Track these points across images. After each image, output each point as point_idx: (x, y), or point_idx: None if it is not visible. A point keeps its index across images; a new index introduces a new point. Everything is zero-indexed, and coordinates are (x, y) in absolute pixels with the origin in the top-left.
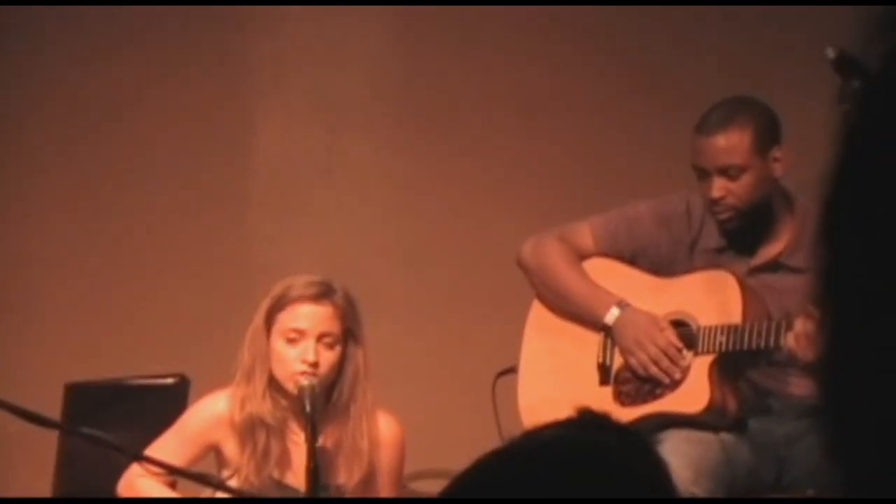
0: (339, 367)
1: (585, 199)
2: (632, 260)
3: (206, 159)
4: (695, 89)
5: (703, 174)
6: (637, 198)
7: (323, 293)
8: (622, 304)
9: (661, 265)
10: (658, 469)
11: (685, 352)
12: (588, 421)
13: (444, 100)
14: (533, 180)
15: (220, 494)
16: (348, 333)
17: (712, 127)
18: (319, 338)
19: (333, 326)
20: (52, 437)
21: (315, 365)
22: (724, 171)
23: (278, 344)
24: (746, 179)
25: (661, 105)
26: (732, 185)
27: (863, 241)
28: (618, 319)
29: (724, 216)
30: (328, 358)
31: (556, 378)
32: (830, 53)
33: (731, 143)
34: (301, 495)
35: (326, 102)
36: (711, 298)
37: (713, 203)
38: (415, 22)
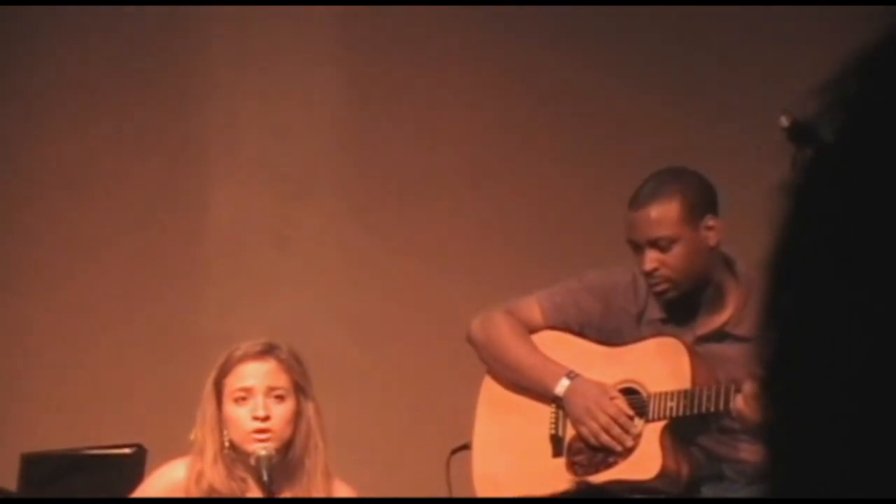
0: (294, 423)
1: (541, 268)
2: (580, 332)
3: (161, 229)
4: (646, 154)
5: (637, 248)
6: (591, 263)
7: (266, 350)
8: (571, 375)
9: (609, 335)
10: None
11: (636, 419)
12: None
13: (399, 170)
14: (488, 250)
15: None
16: (297, 388)
17: (642, 200)
18: (267, 393)
19: (280, 380)
20: None
21: (266, 419)
22: (655, 244)
23: (229, 408)
24: (678, 250)
25: (613, 172)
26: (664, 257)
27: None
28: (567, 390)
29: (659, 288)
30: (280, 413)
31: (509, 452)
32: (784, 122)
33: (660, 214)
34: None
35: (281, 172)
36: (661, 365)
37: (647, 276)
38: (368, 92)
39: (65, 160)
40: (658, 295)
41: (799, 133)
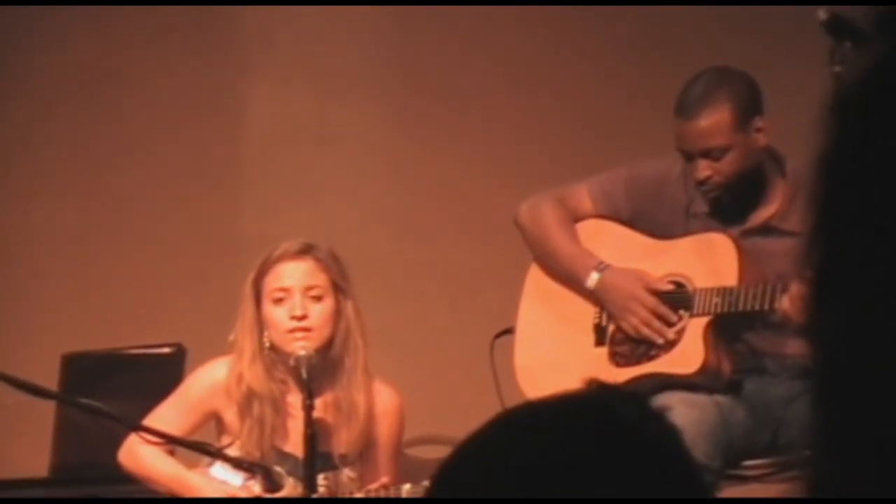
0: (333, 322)
1: (581, 168)
2: (629, 222)
3: (198, 132)
4: (685, 53)
5: (688, 157)
6: (628, 162)
7: (303, 250)
8: (601, 268)
9: (658, 227)
10: (678, 440)
11: (681, 312)
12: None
13: (439, 70)
14: (528, 149)
15: (218, 463)
16: (336, 287)
17: (690, 109)
18: (305, 291)
19: (318, 279)
20: (50, 408)
21: (304, 318)
22: (707, 154)
23: (268, 308)
24: (731, 157)
25: (653, 71)
26: (717, 165)
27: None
28: (598, 283)
29: (712, 195)
30: (318, 311)
31: (552, 340)
32: (822, 15)
33: (711, 124)
34: (300, 462)
35: (319, 72)
36: (707, 261)
37: (700, 183)
38: None
39: (104, 63)
40: (710, 200)
41: (837, 26)
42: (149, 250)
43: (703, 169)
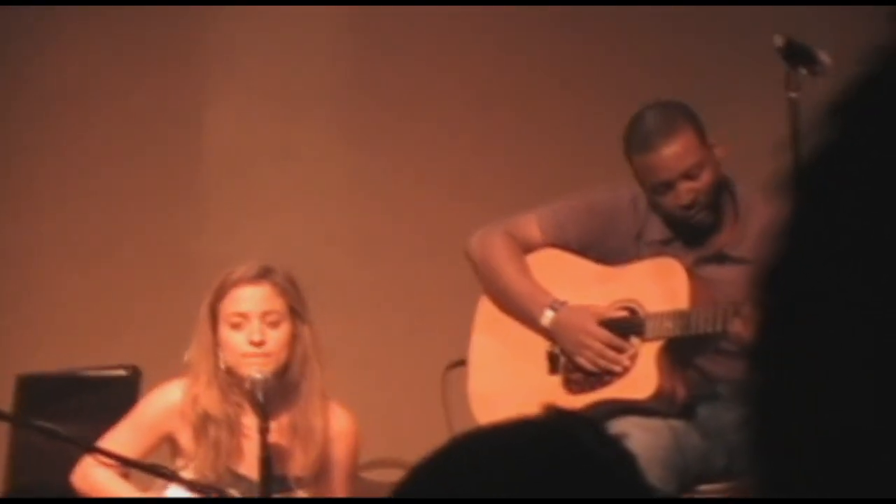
0: (289, 347)
1: (541, 185)
2: (580, 250)
3: (157, 149)
4: (639, 80)
5: (665, 187)
6: (588, 186)
7: (261, 274)
8: (555, 306)
9: (609, 255)
10: (633, 464)
11: (633, 339)
12: (559, 418)
13: (400, 89)
14: (486, 172)
15: (173, 485)
16: (293, 312)
17: (656, 139)
18: (263, 317)
19: (275, 304)
20: (5, 429)
21: (261, 343)
22: (688, 175)
23: (225, 332)
24: (706, 175)
25: (617, 90)
26: (697, 184)
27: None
28: (552, 321)
29: (698, 217)
30: (275, 337)
31: (505, 368)
32: (778, 41)
33: (683, 146)
34: (255, 485)
35: (278, 90)
36: (659, 286)
37: (686, 208)
38: (368, 13)
39: (63, 79)
40: (695, 224)
41: (793, 52)
42: (105, 269)
43: (688, 192)
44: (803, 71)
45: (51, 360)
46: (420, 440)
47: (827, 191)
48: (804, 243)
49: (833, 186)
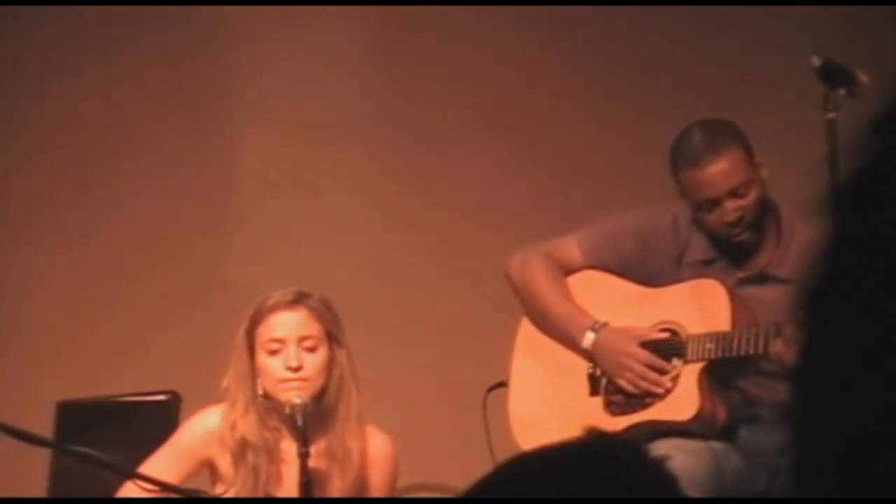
0: (326, 371)
1: (573, 211)
2: (620, 272)
3: (188, 178)
4: (671, 97)
5: (712, 204)
6: (617, 208)
7: (297, 299)
8: (596, 328)
9: (649, 277)
10: (675, 487)
11: (674, 361)
12: (602, 441)
13: (430, 117)
14: (513, 197)
15: None
16: (329, 336)
17: (703, 156)
18: (299, 342)
19: (312, 329)
20: (44, 456)
21: (299, 369)
22: (735, 193)
23: (262, 358)
24: (752, 194)
25: (639, 113)
26: (744, 202)
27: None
28: (594, 343)
29: (743, 237)
30: (312, 361)
31: (546, 390)
32: (816, 62)
33: (732, 163)
34: None
35: (308, 120)
36: (700, 307)
37: (731, 226)
38: (394, 43)
39: (94, 110)
40: (739, 243)
41: (831, 73)
42: (142, 296)
43: (735, 210)
44: (841, 91)
45: (90, 387)
46: (459, 462)
47: (867, 208)
48: (845, 263)
49: (873, 204)
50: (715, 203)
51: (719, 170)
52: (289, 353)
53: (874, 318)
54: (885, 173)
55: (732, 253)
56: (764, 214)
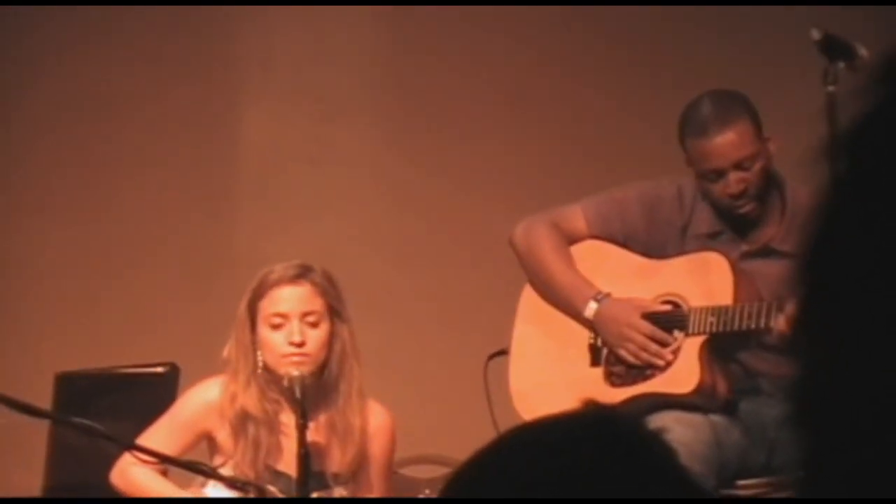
0: (328, 345)
1: (575, 187)
2: (624, 243)
3: (193, 152)
4: (681, 73)
5: (716, 175)
6: (623, 183)
7: (300, 274)
8: (599, 298)
9: (653, 248)
10: (676, 459)
11: (676, 333)
12: (601, 414)
13: (432, 90)
14: (521, 168)
15: (212, 483)
16: (332, 311)
17: (714, 127)
18: (302, 317)
19: (315, 304)
20: (43, 427)
21: (302, 344)
22: (740, 166)
23: (264, 332)
24: (758, 167)
25: (647, 91)
26: (748, 175)
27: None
28: (596, 313)
29: (747, 208)
30: (315, 336)
31: (547, 360)
32: (815, 35)
33: (739, 135)
34: (294, 482)
35: (313, 93)
36: (703, 280)
37: (734, 198)
38: (402, 13)
39: (98, 86)
40: (744, 216)
41: (831, 46)
42: (143, 269)
43: (739, 182)
44: (841, 65)
45: (89, 358)
46: (460, 434)
47: (869, 157)
48: (845, 217)
49: (875, 153)
50: (720, 174)
51: (727, 141)
52: (292, 328)
53: (872, 275)
54: (888, 122)
55: (737, 226)
56: (768, 188)
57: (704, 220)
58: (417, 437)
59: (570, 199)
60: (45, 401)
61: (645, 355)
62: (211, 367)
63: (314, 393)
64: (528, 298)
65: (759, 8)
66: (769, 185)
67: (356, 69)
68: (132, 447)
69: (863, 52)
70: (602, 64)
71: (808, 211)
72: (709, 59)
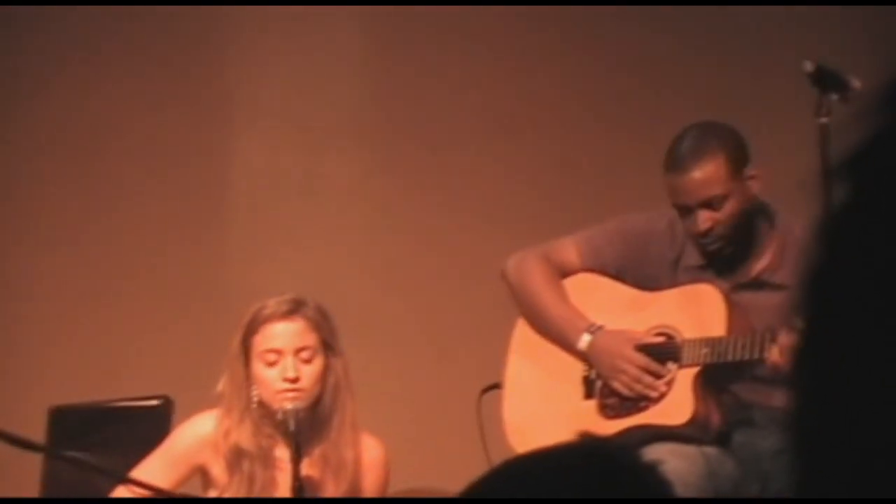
0: (322, 379)
1: (567, 213)
2: (617, 275)
3: (184, 181)
4: (675, 102)
5: (686, 210)
6: (616, 212)
7: (293, 309)
8: (592, 330)
9: (646, 281)
10: (670, 491)
11: (669, 365)
12: (596, 446)
13: (422, 120)
14: (512, 197)
15: None
16: (325, 345)
17: (684, 162)
18: (296, 353)
19: (308, 339)
20: (36, 461)
21: (296, 380)
22: (707, 204)
23: (259, 368)
24: (729, 206)
25: (643, 117)
26: (717, 215)
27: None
28: (589, 346)
29: (714, 246)
30: (309, 372)
31: (540, 393)
32: (808, 67)
33: (708, 174)
34: None
35: (305, 123)
36: (695, 312)
37: (701, 236)
38: (391, 44)
39: (90, 112)
40: (712, 253)
41: (823, 78)
42: (134, 301)
43: (705, 220)
44: (834, 96)
45: (82, 392)
46: (451, 467)
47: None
48: (846, 242)
49: (878, 178)
50: (688, 210)
51: (693, 179)
52: (286, 364)
53: (872, 300)
54: (893, 145)
55: (726, 259)
56: (749, 224)
57: (695, 252)
58: (409, 470)
59: (563, 224)
60: (38, 434)
61: (639, 387)
62: (204, 400)
63: (308, 426)
64: (522, 332)
65: (754, 39)
66: (747, 222)
67: (347, 98)
68: (126, 480)
69: (855, 83)
70: (596, 91)
71: (802, 242)
72: (703, 88)
